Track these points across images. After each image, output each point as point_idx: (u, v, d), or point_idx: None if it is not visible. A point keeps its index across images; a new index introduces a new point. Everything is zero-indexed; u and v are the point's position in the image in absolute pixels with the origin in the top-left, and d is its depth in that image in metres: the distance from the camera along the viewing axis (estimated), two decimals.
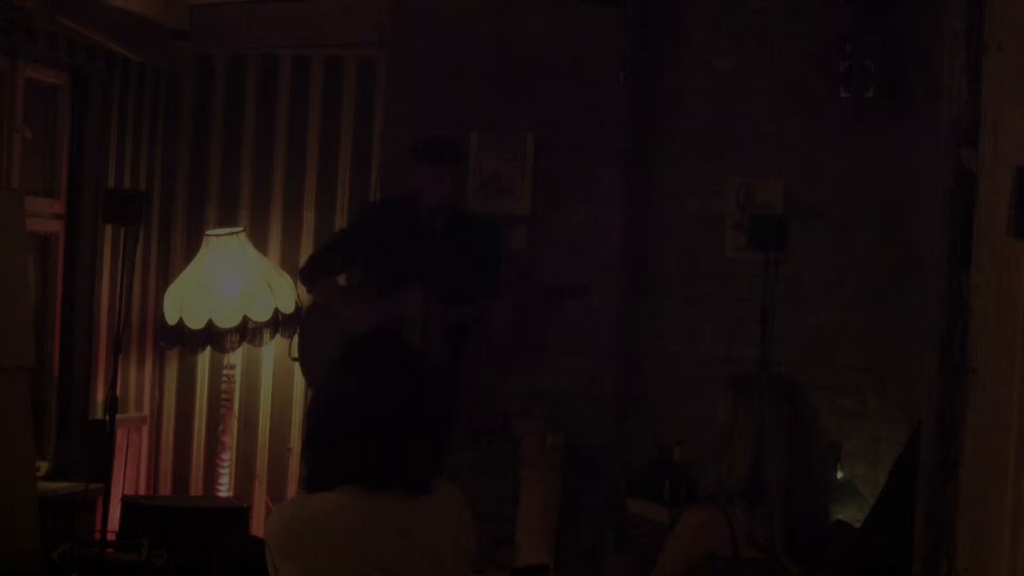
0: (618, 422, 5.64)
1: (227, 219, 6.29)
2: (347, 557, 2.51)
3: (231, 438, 6.06)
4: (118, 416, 5.14)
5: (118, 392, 5.08)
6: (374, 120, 6.11)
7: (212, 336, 5.92)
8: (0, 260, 5.16)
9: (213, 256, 5.97)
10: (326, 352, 3.56)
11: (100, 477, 5.16)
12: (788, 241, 4.96)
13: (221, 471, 6.02)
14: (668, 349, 5.77)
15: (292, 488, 6.10)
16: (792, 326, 5.42)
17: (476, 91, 5.82)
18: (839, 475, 5.09)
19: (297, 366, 5.65)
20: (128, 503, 5.51)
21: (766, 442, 3.08)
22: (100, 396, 5.89)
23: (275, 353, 6.17)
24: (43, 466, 5.63)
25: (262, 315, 5.90)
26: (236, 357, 6.07)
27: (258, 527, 5.81)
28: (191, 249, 6.24)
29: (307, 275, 5.35)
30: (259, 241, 6.18)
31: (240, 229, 6.08)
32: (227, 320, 5.88)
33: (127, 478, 5.89)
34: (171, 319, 6.00)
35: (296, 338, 5.69)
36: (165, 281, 6.29)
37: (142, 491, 6.22)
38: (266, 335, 5.96)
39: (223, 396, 6.08)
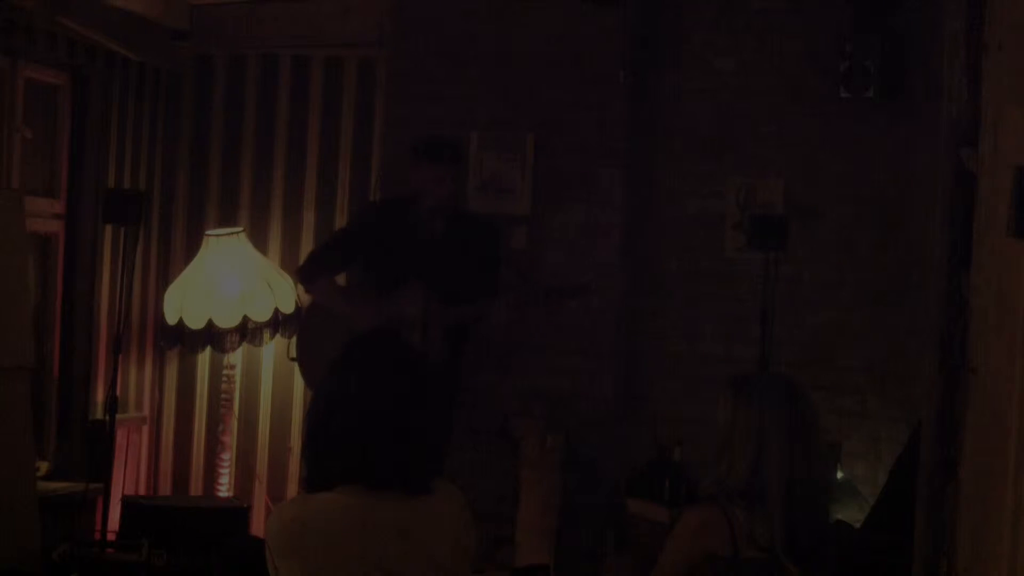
0: (618, 422, 5.64)
1: (227, 219, 6.29)
2: (347, 557, 2.51)
3: (231, 438, 6.07)
4: (118, 416, 5.14)
5: (118, 392, 5.08)
6: (374, 120, 6.11)
7: (212, 336, 5.92)
8: (0, 260, 5.16)
9: (213, 256, 5.97)
10: (324, 353, 3.55)
11: (100, 477, 5.16)
12: (788, 241, 4.96)
13: (221, 471, 6.02)
14: (668, 349, 5.77)
15: (292, 488, 6.10)
16: (792, 326, 5.42)
17: (476, 91, 5.83)
18: (839, 475, 5.09)
19: (296, 366, 5.65)
20: (128, 503, 5.51)
21: (766, 442, 3.08)
22: (100, 396, 5.89)
23: (275, 353, 6.17)
24: (43, 466, 5.63)
25: (262, 315, 5.91)
26: (236, 357, 6.08)
27: (258, 527, 5.81)
28: (191, 249, 6.24)
29: (306, 274, 5.35)
30: (259, 241, 6.19)
31: (240, 229, 6.08)
32: (227, 320, 5.88)
33: (127, 478, 5.89)
34: (171, 319, 6.00)
35: (294, 339, 5.70)
36: (165, 281, 6.29)
37: (142, 491, 6.22)
38: (266, 335, 5.96)
39: (223, 396, 6.08)
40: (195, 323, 5.90)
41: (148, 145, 6.30)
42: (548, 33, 5.76)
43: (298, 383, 6.07)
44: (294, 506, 2.64)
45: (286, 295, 5.95)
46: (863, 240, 5.54)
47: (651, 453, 5.25)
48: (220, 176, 6.38)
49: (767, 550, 3.05)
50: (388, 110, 5.99)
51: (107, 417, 5.04)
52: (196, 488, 6.31)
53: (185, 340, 6.00)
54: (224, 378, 6.08)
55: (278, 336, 5.99)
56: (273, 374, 6.23)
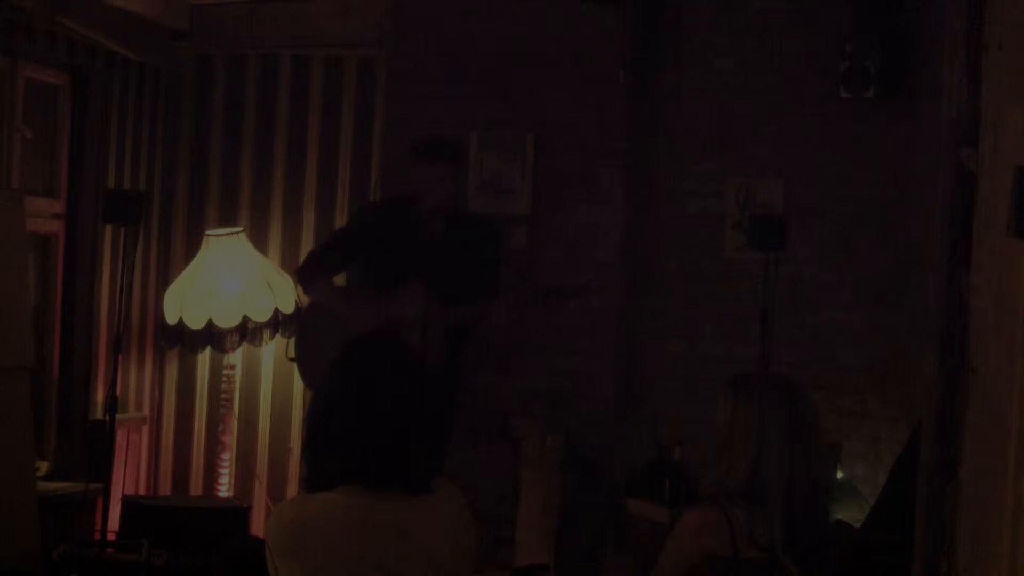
0: (618, 422, 5.64)
1: (227, 219, 6.29)
2: (347, 557, 2.51)
3: (231, 438, 6.07)
4: (118, 416, 5.13)
5: (118, 392, 5.07)
6: (374, 120, 6.11)
7: (212, 336, 5.92)
8: (0, 260, 5.16)
9: (213, 256, 5.97)
10: (322, 353, 3.56)
11: (100, 477, 5.14)
12: (788, 241, 4.95)
13: (221, 471, 6.02)
14: (668, 349, 5.77)
15: (292, 488, 6.10)
16: (792, 326, 5.42)
17: (476, 91, 5.82)
18: (839, 475, 5.09)
19: (296, 366, 5.65)
20: (128, 503, 5.51)
21: (766, 442, 3.08)
22: (100, 396, 5.89)
23: (275, 353, 6.16)
24: (43, 466, 5.63)
25: (262, 315, 5.91)
26: (236, 357, 6.08)
27: (258, 527, 5.82)
28: (191, 249, 6.24)
29: (305, 274, 5.34)
30: (259, 241, 6.19)
31: (240, 229, 6.08)
32: (227, 320, 5.88)
33: (127, 478, 5.88)
34: (171, 319, 6.00)
35: (293, 339, 5.69)
36: (165, 281, 6.29)
37: (142, 491, 6.22)
38: (266, 335, 5.96)
39: (223, 396, 6.08)
40: (195, 323, 5.90)
41: (148, 145, 6.30)
42: (548, 33, 5.76)
43: (298, 383, 6.07)
44: (294, 506, 2.64)
45: (286, 295, 5.95)
46: (863, 240, 5.54)
47: (651, 453, 5.24)
48: (220, 176, 6.38)
49: (767, 550, 3.05)
50: (388, 110, 5.99)
51: (107, 417, 5.03)
52: (196, 488, 6.31)
53: (185, 340, 6.00)
54: (224, 378, 6.08)
55: (278, 336, 5.99)
56: (273, 374, 6.23)
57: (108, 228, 5.85)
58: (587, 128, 5.69)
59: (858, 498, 5.02)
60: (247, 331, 5.92)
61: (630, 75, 5.57)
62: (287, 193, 6.28)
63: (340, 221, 6.11)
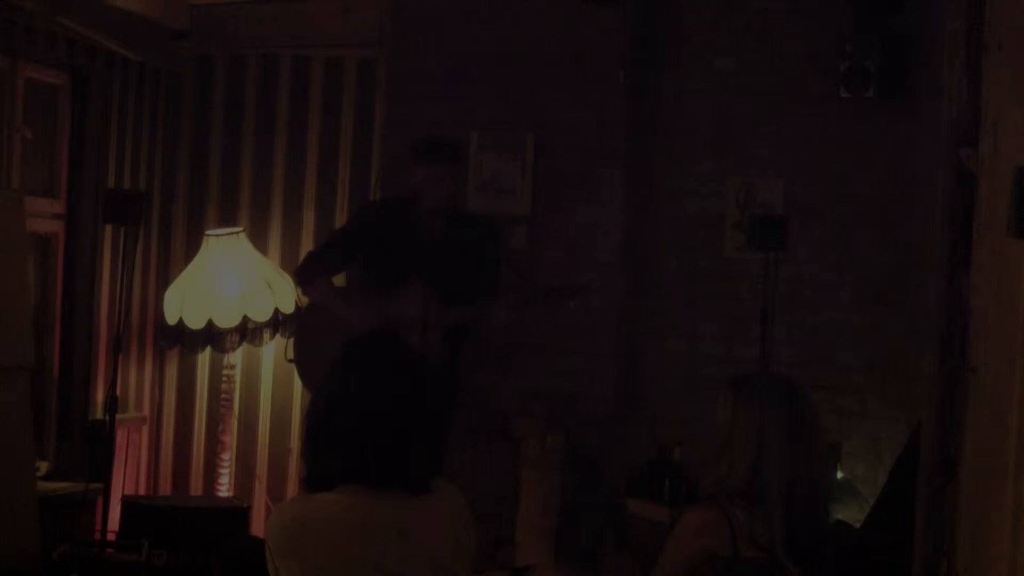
0: (618, 422, 5.64)
1: (227, 219, 6.29)
2: (347, 557, 2.51)
3: (231, 438, 6.06)
4: (118, 416, 5.14)
5: (118, 392, 5.08)
6: (374, 120, 6.11)
7: (212, 336, 5.92)
8: (0, 260, 5.16)
9: (213, 256, 5.97)
10: (321, 354, 3.55)
11: (100, 477, 5.16)
12: (788, 241, 4.96)
13: (221, 471, 6.02)
14: (668, 349, 5.77)
15: (292, 488, 6.10)
16: (792, 326, 5.42)
17: (476, 91, 5.82)
18: (839, 475, 5.09)
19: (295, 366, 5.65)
20: (128, 503, 5.51)
21: (766, 442, 3.08)
22: (100, 396, 5.89)
23: (275, 353, 6.16)
24: (43, 466, 5.63)
25: (262, 315, 5.91)
26: (236, 357, 6.07)
27: (258, 527, 5.81)
28: (191, 249, 6.24)
29: (304, 274, 5.34)
30: (259, 241, 6.19)
31: (240, 229, 6.08)
32: (227, 320, 5.88)
33: (127, 478, 5.89)
34: (171, 319, 6.00)
35: (291, 340, 5.69)
36: (165, 281, 6.29)
37: (142, 491, 6.22)
38: (266, 335, 5.96)
39: (223, 396, 6.08)
40: (195, 323, 5.90)
41: (148, 145, 6.30)
42: (548, 33, 5.76)
43: (298, 383, 6.07)
44: (294, 506, 2.64)
45: (286, 295, 5.94)
46: (863, 240, 5.54)
47: (651, 453, 5.25)
48: (220, 176, 6.38)
49: (767, 550, 3.05)
50: (388, 110, 5.99)
51: (107, 417, 5.04)
52: (196, 488, 6.31)
53: (185, 340, 6.00)
54: (224, 378, 6.08)
55: (278, 336, 5.99)
56: (273, 374, 6.23)
57: (108, 228, 5.85)
58: (587, 128, 5.69)
59: (858, 498, 5.02)
60: (247, 331, 5.92)
61: (630, 75, 5.57)
62: (287, 193, 6.28)
63: (340, 221, 6.10)
